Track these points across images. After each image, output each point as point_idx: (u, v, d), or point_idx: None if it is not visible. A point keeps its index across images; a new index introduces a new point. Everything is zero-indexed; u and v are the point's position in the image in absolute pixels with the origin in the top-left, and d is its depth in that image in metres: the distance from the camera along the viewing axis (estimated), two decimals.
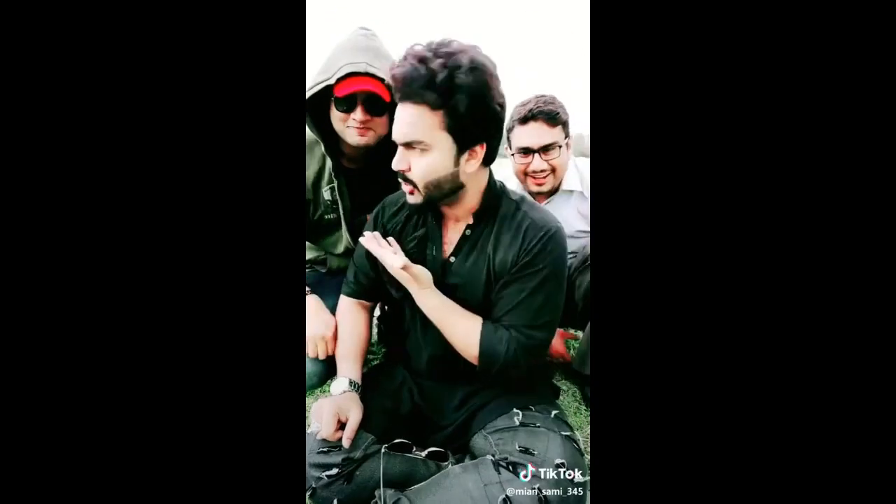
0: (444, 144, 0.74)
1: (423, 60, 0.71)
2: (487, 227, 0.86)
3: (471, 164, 0.78)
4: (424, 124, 0.73)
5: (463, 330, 0.83)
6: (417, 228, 0.90)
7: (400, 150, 0.77)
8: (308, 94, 1.06)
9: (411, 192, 0.80)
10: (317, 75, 1.08)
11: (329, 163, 1.16)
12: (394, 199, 0.97)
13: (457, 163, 0.77)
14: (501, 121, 0.79)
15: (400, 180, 0.81)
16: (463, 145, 0.76)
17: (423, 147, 0.75)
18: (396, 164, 0.78)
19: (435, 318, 0.84)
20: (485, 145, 0.78)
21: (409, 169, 0.77)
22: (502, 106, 0.78)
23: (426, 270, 0.83)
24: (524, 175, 1.30)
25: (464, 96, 0.71)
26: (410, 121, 0.74)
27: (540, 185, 1.28)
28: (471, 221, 0.86)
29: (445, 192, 0.79)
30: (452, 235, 0.88)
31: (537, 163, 1.25)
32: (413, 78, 0.70)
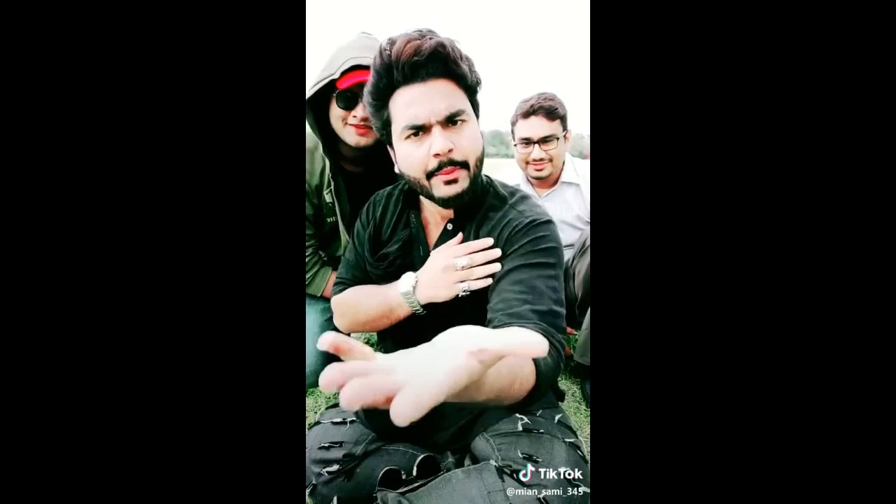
0: (473, 117, 0.73)
1: (442, 44, 0.68)
2: (469, 221, 0.80)
3: None
4: (458, 95, 0.72)
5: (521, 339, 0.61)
6: (400, 230, 0.84)
7: (437, 131, 0.69)
8: (311, 90, 1.05)
9: (454, 181, 0.70)
10: (319, 73, 1.07)
11: (328, 164, 1.16)
12: (383, 194, 0.91)
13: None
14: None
15: (441, 166, 0.71)
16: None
17: (462, 118, 0.71)
18: (442, 146, 0.69)
19: (498, 348, 0.58)
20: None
21: (455, 147, 0.70)
22: None
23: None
24: (526, 163, 1.51)
25: (472, 70, 0.72)
26: (447, 93, 0.70)
27: (539, 169, 1.50)
28: (451, 216, 0.81)
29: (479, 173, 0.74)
30: (436, 235, 0.85)
31: (537, 152, 1.46)
32: (441, 53, 0.68)
